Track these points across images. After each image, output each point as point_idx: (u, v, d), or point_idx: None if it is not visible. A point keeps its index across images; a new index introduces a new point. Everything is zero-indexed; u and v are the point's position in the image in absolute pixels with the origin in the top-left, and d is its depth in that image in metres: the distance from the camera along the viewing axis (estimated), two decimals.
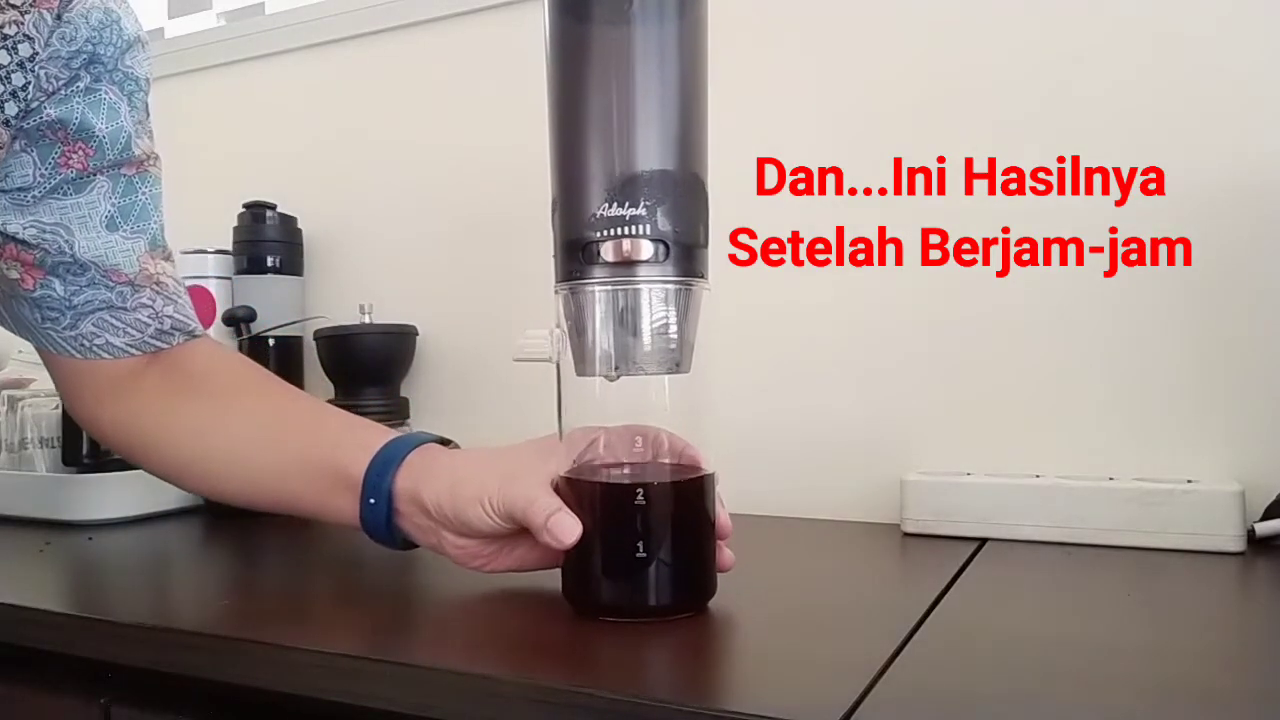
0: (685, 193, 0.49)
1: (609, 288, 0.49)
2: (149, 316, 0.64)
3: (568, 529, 0.49)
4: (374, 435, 0.57)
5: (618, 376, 0.50)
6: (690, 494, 0.50)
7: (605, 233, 0.47)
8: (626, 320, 0.49)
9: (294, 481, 0.59)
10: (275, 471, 0.59)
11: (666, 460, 0.52)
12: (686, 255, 0.49)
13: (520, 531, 0.52)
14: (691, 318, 0.51)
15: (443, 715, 0.41)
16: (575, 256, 0.49)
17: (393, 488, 0.54)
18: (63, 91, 0.58)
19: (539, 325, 0.58)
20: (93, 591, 0.63)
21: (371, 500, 0.55)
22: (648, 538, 0.49)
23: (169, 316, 0.65)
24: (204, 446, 0.61)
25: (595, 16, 0.48)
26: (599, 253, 0.48)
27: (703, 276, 0.50)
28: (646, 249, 0.48)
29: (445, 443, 0.58)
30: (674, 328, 0.50)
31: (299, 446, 0.59)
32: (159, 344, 0.64)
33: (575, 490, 0.50)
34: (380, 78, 1.05)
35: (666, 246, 0.48)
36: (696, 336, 0.51)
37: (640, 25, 0.48)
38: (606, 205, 0.47)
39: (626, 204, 0.47)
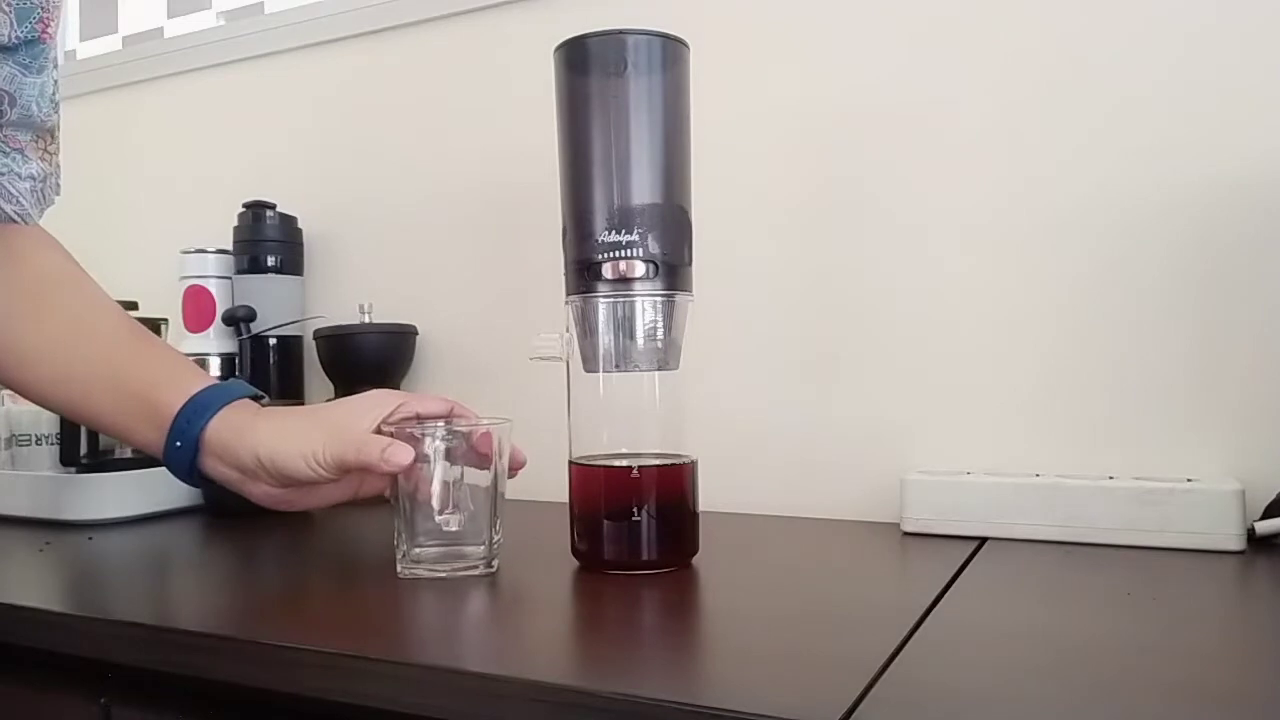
0: (672, 222, 0.59)
1: (610, 300, 0.59)
2: None
3: (402, 452, 0.56)
4: (192, 379, 0.60)
5: (618, 372, 0.60)
6: (673, 475, 0.61)
7: (607, 255, 0.58)
8: (624, 326, 0.60)
9: (102, 399, 0.60)
10: (82, 382, 0.61)
11: (462, 425, 0.62)
12: (672, 273, 0.60)
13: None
14: (677, 324, 0.61)
15: (443, 715, 0.41)
16: (583, 274, 0.59)
17: (201, 436, 0.58)
18: None
19: (543, 324, 0.65)
20: (93, 591, 0.63)
21: (178, 444, 0.59)
22: (640, 506, 0.59)
23: None
24: (10, 335, 0.61)
25: (596, 71, 0.59)
26: (602, 271, 0.58)
27: (687, 290, 0.61)
28: (640, 268, 0.58)
29: (258, 398, 0.62)
30: (661, 332, 0.60)
31: (114, 367, 0.61)
32: None
33: (586, 473, 0.61)
34: (380, 77, 1.05)
35: (656, 266, 0.58)
36: (683, 339, 0.61)
37: (633, 80, 0.58)
38: (608, 232, 0.58)
39: (624, 231, 0.58)
